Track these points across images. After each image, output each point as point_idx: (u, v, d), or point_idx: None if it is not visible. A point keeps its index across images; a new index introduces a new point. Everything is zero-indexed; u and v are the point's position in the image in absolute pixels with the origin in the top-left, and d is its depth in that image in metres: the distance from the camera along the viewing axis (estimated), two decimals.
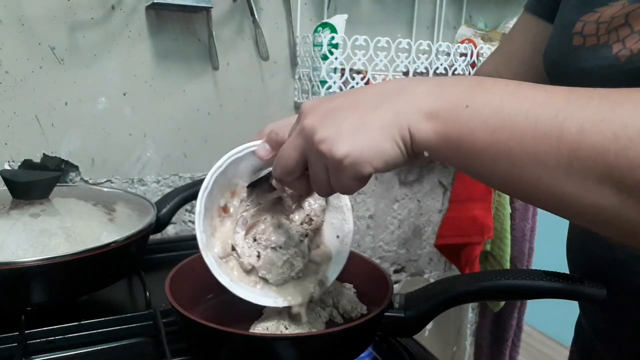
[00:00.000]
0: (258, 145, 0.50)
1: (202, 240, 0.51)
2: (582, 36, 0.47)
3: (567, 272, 0.58)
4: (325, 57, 0.97)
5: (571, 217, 0.35)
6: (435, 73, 1.08)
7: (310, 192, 0.50)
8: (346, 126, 0.37)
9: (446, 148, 0.36)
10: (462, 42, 1.15)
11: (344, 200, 0.57)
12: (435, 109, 0.35)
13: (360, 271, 0.62)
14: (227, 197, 0.55)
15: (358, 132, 0.37)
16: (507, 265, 1.31)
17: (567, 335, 0.69)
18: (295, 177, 0.43)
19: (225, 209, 0.56)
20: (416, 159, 0.38)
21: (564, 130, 0.31)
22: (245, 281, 0.55)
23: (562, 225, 0.55)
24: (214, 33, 0.96)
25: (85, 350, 0.58)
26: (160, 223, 0.76)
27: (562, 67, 0.49)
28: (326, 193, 0.42)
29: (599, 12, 0.46)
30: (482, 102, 0.34)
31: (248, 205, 0.55)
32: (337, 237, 0.57)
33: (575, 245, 0.59)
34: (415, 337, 0.58)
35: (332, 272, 0.56)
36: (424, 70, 1.08)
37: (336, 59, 0.97)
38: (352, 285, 0.62)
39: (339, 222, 0.57)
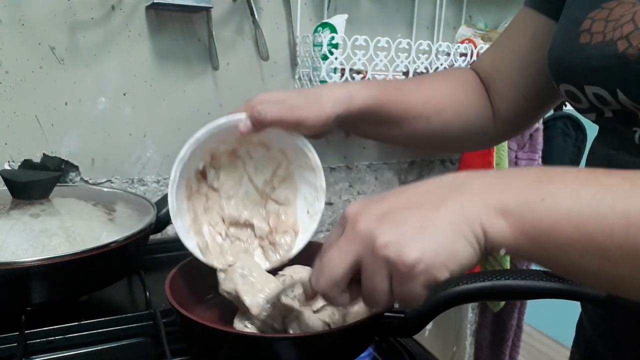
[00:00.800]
0: (241, 120, 0.51)
1: (173, 208, 0.53)
2: (589, 34, 0.46)
3: None
4: (325, 57, 0.97)
5: None
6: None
7: (353, 305, 0.43)
8: (411, 227, 0.33)
9: (526, 244, 0.33)
10: (462, 42, 1.15)
11: (320, 181, 0.57)
12: (505, 203, 0.33)
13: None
14: (207, 159, 0.57)
15: (426, 232, 0.33)
16: (507, 265, 1.31)
17: (568, 335, 0.68)
18: (342, 290, 0.37)
19: (202, 173, 0.57)
20: (486, 257, 0.36)
21: None
22: (214, 252, 0.57)
23: None
24: (214, 33, 0.96)
25: (85, 350, 0.58)
26: (160, 223, 0.76)
27: (568, 64, 0.48)
28: (383, 305, 0.37)
29: (607, 9, 0.45)
30: (558, 194, 0.33)
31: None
32: (308, 212, 0.59)
33: None
34: (415, 337, 0.58)
35: (297, 246, 0.58)
36: (424, 70, 1.08)
37: (336, 59, 0.97)
38: None
39: (312, 198, 0.58)
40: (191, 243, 0.55)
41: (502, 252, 0.34)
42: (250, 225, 0.60)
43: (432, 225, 0.33)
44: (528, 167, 0.38)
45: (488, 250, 0.34)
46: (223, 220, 0.59)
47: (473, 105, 0.63)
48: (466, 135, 0.64)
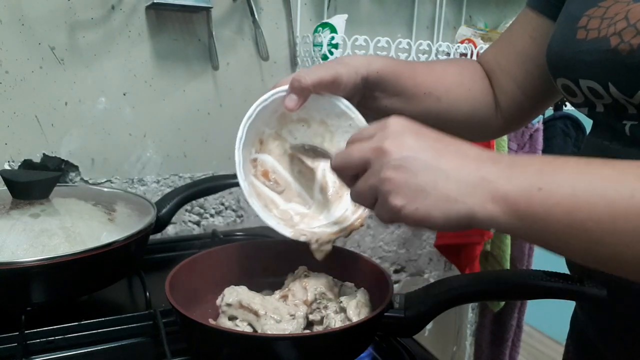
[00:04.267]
0: (286, 97, 0.53)
1: (246, 188, 0.54)
2: (585, 30, 0.48)
3: (567, 272, 0.58)
4: (325, 57, 0.97)
5: None
6: None
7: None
8: (416, 182, 0.39)
9: (516, 227, 0.38)
10: (462, 42, 1.15)
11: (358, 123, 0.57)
12: (504, 192, 0.37)
13: (360, 271, 0.62)
14: (257, 146, 0.58)
15: (422, 193, 0.39)
16: (507, 265, 1.31)
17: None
18: (348, 174, 0.45)
19: (254, 162, 0.58)
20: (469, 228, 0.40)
21: None
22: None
23: None
24: (214, 33, 0.96)
25: (85, 350, 0.58)
26: (160, 223, 0.76)
27: (565, 58, 0.51)
28: (361, 203, 0.45)
29: (603, 8, 0.47)
30: (555, 184, 0.36)
31: None
32: None
33: None
34: (415, 337, 0.58)
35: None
36: None
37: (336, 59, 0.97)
38: (353, 284, 0.62)
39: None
40: (273, 221, 0.55)
41: (492, 230, 0.38)
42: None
43: (432, 190, 0.39)
44: (535, 156, 0.43)
45: (473, 225, 0.39)
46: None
47: (479, 92, 0.66)
48: (472, 121, 0.67)
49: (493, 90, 0.67)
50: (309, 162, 0.60)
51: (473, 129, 0.67)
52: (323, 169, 0.61)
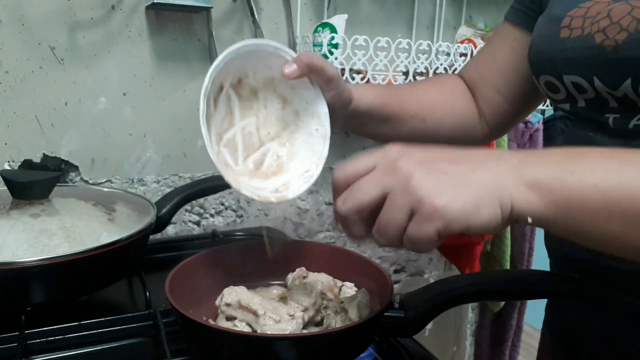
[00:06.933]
0: (287, 63, 0.53)
1: (203, 113, 0.51)
2: (569, 29, 0.51)
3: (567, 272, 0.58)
4: (325, 57, 0.97)
5: None
6: (435, 73, 1.08)
7: (363, 239, 0.43)
8: (448, 179, 0.37)
9: (554, 214, 0.37)
10: (462, 42, 1.15)
11: (324, 149, 0.57)
12: (536, 177, 0.37)
13: (360, 271, 0.62)
14: (233, 81, 0.56)
15: (459, 187, 0.37)
16: (507, 265, 1.31)
17: None
18: (363, 216, 0.40)
19: (221, 87, 0.56)
20: (510, 224, 0.39)
21: None
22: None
23: None
24: (214, 33, 0.96)
25: (85, 350, 0.58)
26: (160, 223, 0.76)
27: (549, 56, 0.53)
28: (389, 243, 0.39)
29: (584, 8, 0.50)
30: (586, 167, 0.37)
31: None
32: (303, 174, 0.58)
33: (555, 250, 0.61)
34: (415, 337, 0.58)
35: (288, 194, 0.56)
36: (424, 70, 1.08)
37: (336, 59, 0.97)
38: (353, 284, 0.62)
39: (310, 163, 0.58)
40: (215, 157, 0.53)
41: (530, 220, 0.37)
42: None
43: (466, 183, 0.37)
44: (553, 148, 0.43)
45: (513, 218, 0.37)
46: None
47: (461, 107, 0.70)
48: (457, 134, 0.70)
49: (476, 101, 0.70)
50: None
51: (459, 140, 0.70)
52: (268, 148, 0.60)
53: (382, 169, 0.39)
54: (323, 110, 0.57)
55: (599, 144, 0.51)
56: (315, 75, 0.55)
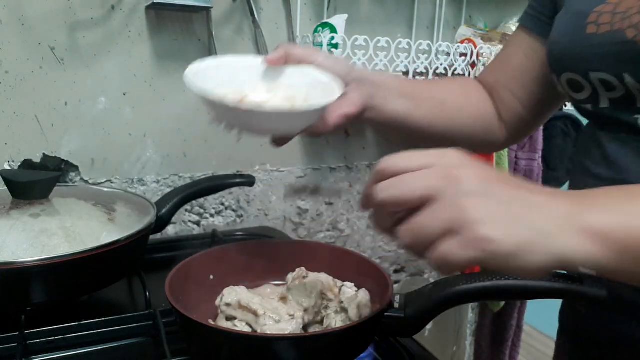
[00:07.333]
0: (272, 52, 0.56)
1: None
2: (596, 25, 0.50)
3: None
4: None
5: None
6: (435, 73, 1.08)
7: (385, 232, 0.40)
8: (504, 209, 0.33)
9: (614, 262, 0.34)
10: (462, 42, 1.14)
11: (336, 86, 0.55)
12: (597, 226, 0.34)
13: (360, 271, 0.62)
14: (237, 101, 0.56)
15: (514, 223, 0.33)
16: None
17: None
18: (397, 210, 0.37)
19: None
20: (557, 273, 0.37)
21: None
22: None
23: None
24: (214, 33, 0.96)
25: (85, 350, 0.58)
26: (160, 223, 0.76)
27: (573, 53, 0.52)
28: (412, 247, 0.36)
29: (612, 4, 0.49)
30: None
31: None
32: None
33: None
34: (415, 337, 0.58)
35: (308, 104, 0.55)
36: (424, 70, 1.08)
37: None
38: (353, 284, 0.62)
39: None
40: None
41: (593, 273, 0.34)
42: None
43: (523, 220, 0.33)
44: (609, 187, 0.41)
45: (561, 266, 0.34)
46: None
47: (482, 102, 0.69)
48: (476, 127, 0.69)
49: (495, 105, 0.70)
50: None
51: (477, 136, 0.69)
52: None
53: (437, 171, 0.35)
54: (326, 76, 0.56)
55: (629, 144, 0.50)
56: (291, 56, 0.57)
